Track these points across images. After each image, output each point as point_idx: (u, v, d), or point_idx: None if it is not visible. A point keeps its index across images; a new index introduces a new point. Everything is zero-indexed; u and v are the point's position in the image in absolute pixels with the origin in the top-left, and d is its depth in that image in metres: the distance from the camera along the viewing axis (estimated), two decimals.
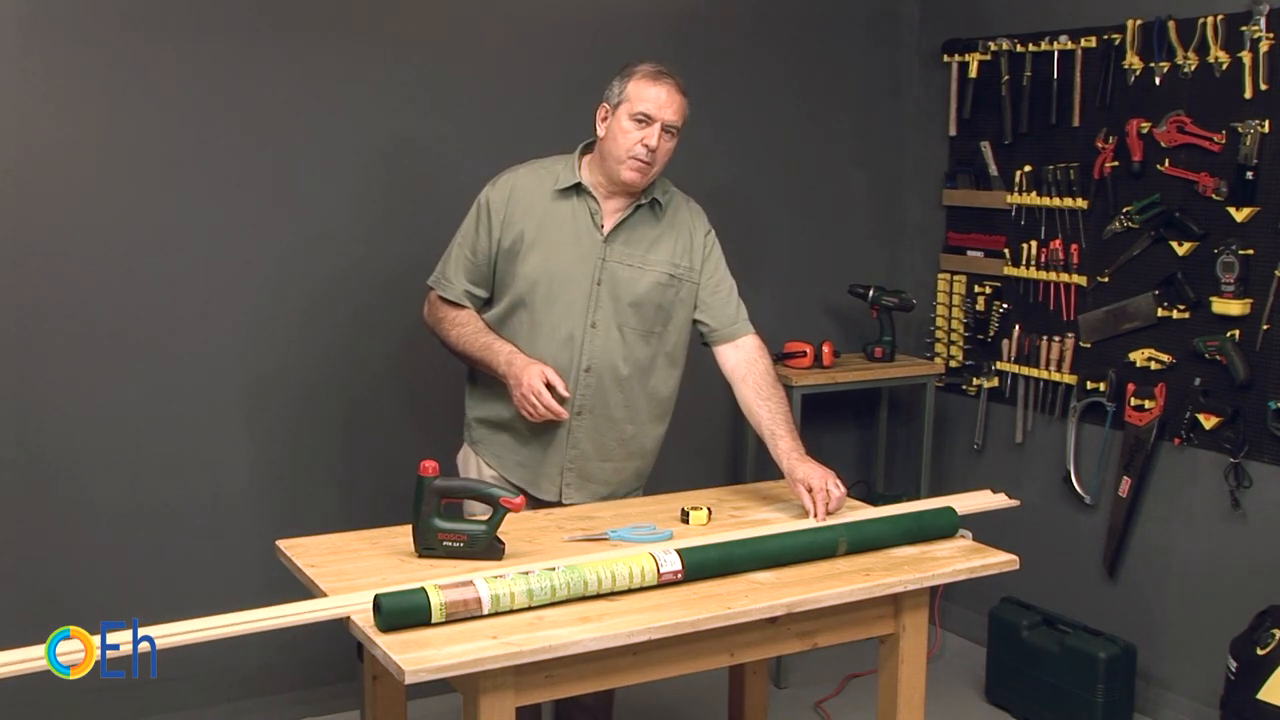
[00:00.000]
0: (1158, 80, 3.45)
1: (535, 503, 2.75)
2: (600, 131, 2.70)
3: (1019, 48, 3.82)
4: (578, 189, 2.71)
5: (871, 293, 3.99)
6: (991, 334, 4.02)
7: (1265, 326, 3.24)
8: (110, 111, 3.12)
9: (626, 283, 2.71)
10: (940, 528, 2.50)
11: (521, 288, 2.69)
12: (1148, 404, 3.53)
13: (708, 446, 4.03)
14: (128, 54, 3.11)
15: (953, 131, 4.10)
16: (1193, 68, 3.35)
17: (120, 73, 3.11)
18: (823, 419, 4.15)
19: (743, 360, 2.78)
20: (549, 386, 2.59)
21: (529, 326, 2.69)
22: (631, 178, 2.66)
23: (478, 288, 2.76)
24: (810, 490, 2.57)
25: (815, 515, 2.54)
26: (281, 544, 2.40)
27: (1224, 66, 3.28)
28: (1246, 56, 3.21)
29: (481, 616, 1.99)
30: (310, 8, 3.32)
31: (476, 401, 2.83)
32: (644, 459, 2.86)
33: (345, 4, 3.37)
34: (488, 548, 2.29)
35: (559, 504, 2.75)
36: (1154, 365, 3.52)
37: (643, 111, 2.63)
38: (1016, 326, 3.93)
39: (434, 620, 1.95)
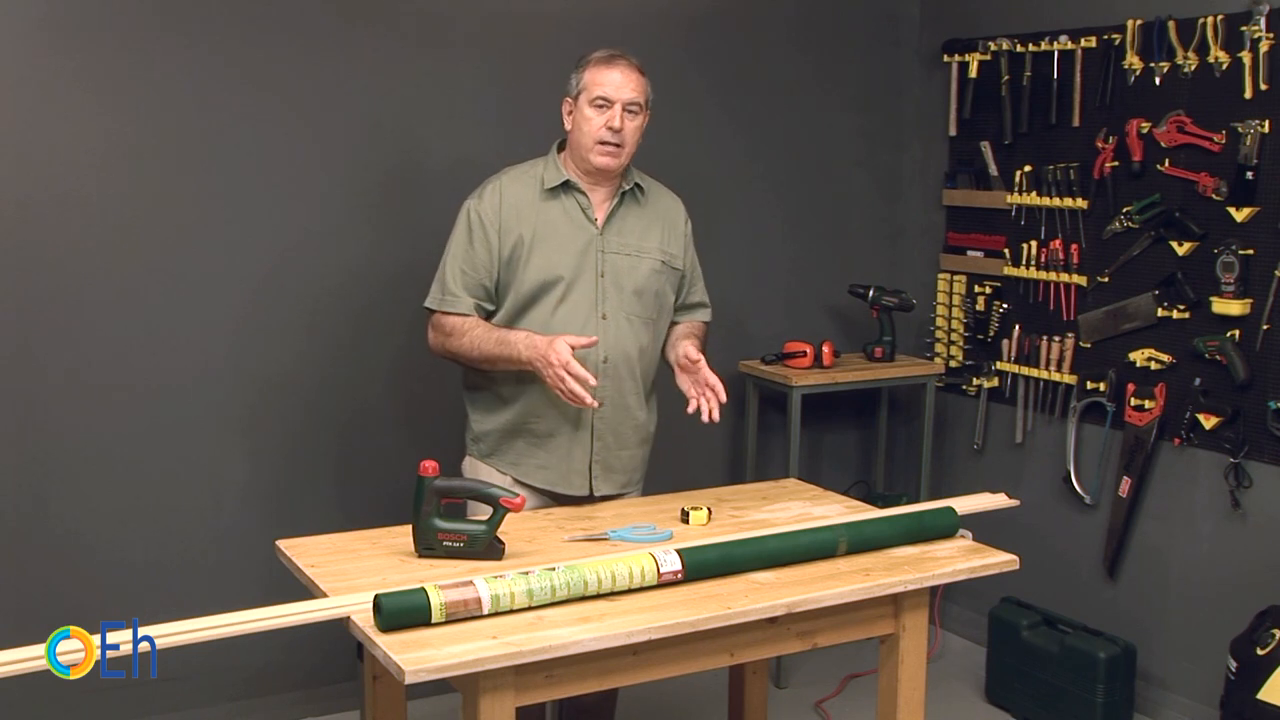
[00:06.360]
0: (1158, 80, 3.45)
1: (563, 500, 2.76)
2: (567, 125, 2.74)
3: (1019, 48, 3.82)
4: (566, 186, 2.72)
5: (871, 293, 3.98)
6: (991, 334, 4.01)
7: (1265, 326, 3.24)
8: (98, 115, 3.12)
9: (627, 272, 2.74)
10: (940, 528, 2.50)
11: (527, 292, 2.69)
12: (1148, 404, 3.53)
13: (708, 446, 4.02)
14: (112, 58, 3.11)
15: (953, 131, 4.10)
16: (1193, 68, 3.35)
17: (107, 78, 3.11)
18: (823, 419, 4.15)
19: (685, 323, 2.93)
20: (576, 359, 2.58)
21: (540, 329, 2.67)
22: (604, 162, 2.67)
23: (485, 301, 2.72)
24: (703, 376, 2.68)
25: (701, 404, 2.68)
26: (281, 544, 2.40)
27: (1224, 66, 3.27)
28: (1246, 56, 3.21)
29: (481, 616, 1.99)
30: (308, 6, 3.32)
31: (482, 414, 2.80)
32: (649, 444, 2.89)
33: (346, 4, 3.37)
34: (488, 548, 2.30)
35: (589, 498, 2.76)
36: (1154, 365, 3.51)
37: (601, 96, 2.65)
38: (1016, 326, 3.93)
39: (434, 620, 1.95)
